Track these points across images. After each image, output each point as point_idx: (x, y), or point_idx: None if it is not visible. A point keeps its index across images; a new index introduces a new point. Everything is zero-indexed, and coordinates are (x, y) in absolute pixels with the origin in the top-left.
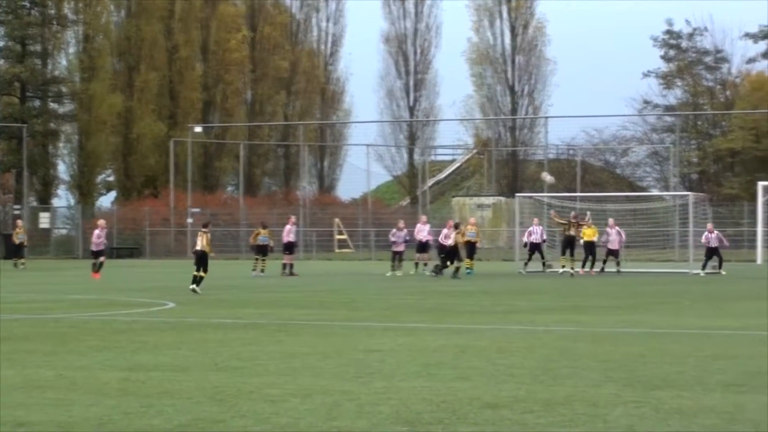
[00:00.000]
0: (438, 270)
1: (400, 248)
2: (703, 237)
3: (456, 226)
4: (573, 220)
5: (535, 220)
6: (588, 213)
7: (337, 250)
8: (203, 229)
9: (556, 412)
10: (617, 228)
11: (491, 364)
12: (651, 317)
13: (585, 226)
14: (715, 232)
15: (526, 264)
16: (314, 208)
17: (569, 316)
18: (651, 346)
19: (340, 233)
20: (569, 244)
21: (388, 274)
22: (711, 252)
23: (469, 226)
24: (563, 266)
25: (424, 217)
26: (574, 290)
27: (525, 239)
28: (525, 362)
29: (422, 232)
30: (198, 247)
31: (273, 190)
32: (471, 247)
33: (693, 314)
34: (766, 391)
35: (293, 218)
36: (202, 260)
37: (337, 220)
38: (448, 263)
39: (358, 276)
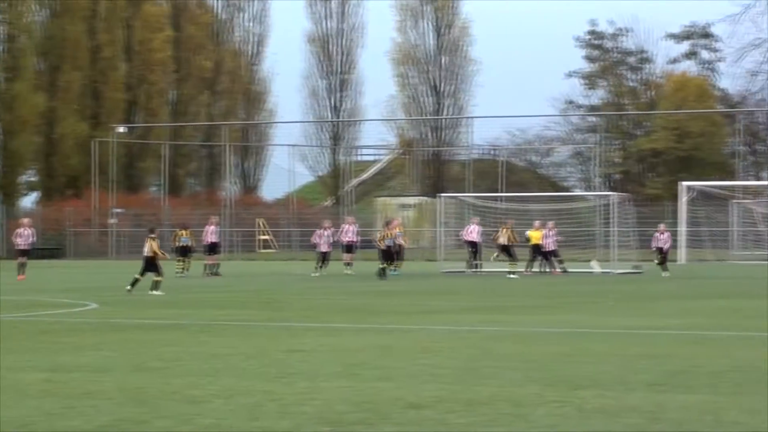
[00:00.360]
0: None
1: (326, 248)
2: (654, 238)
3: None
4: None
5: (475, 219)
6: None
7: (260, 250)
8: (151, 235)
9: (478, 411)
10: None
11: (414, 364)
12: (574, 317)
13: (532, 230)
14: (667, 232)
15: (469, 263)
16: (238, 208)
17: (492, 316)
18: (574, 346)
19: (264, 233)
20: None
21: (314, 275)
22: (661, 252)
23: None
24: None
25: (350, 218)
26: (498, 290)
27: (465, 237)
28: (448, 362)
29: (349, 233)
30: (146, 253)
31: (197, 191)
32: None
33: (616, 314)
34: (687, 390)
35: (214, 219)
36: (150, 265)
37: (260, 220)
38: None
39: (281, 276)
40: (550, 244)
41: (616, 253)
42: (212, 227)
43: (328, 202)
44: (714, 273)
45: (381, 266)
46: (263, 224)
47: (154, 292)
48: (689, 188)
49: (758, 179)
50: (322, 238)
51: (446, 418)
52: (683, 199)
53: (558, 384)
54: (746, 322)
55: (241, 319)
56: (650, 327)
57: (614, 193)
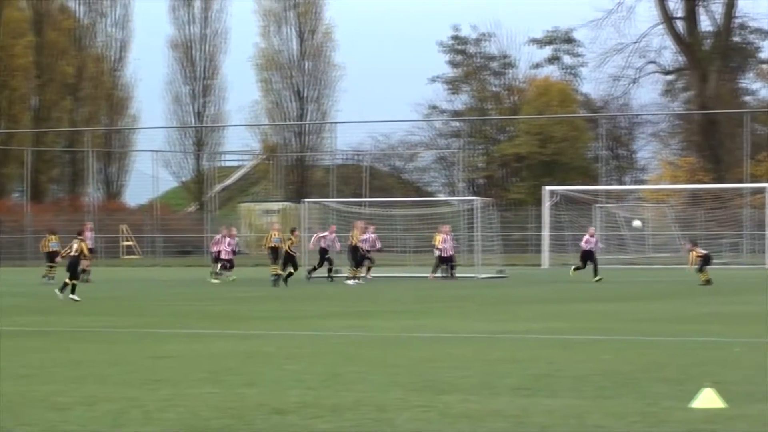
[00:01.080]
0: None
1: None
2: (583, 240)
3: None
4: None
5: (332, 227)
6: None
7: (124, 257)
8: (78, 237)
9: (343, 417)
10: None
11: (278, 369)
12: (438, 321)
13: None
14: (596, 237)
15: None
16: (101, 214)
17: (357, 321)
18: (438, 351)
19: (127, 239)
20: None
21: (215, 281)
22: (586, 256)
23: (273, 232)
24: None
25: (234, 230)
26: (363, 296)
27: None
28: (313, 368)
29: (224, 244)
30: (73, 253)
31: (59, 197)
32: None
33: (480, 318)
34: (551, 394)
35: (89, 224)
36: (73, 267)
37: (123, 226)
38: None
39: (146, 282)
40: (448, 249)
41: (480, 257)
42: (89, 233)
43: (192, 208)
44: (577, 277)
45: (287, 272)
46: (127, 230)
47: (72, 296)
48: (552, 193)
49: (621, 183)
50: (222, 246)
51: (311, 424)
52: (546, 204)
53: (422, 389)
54: (609, 325)
55: (106, 326)
56: (514, 331)
57: (478, 197)
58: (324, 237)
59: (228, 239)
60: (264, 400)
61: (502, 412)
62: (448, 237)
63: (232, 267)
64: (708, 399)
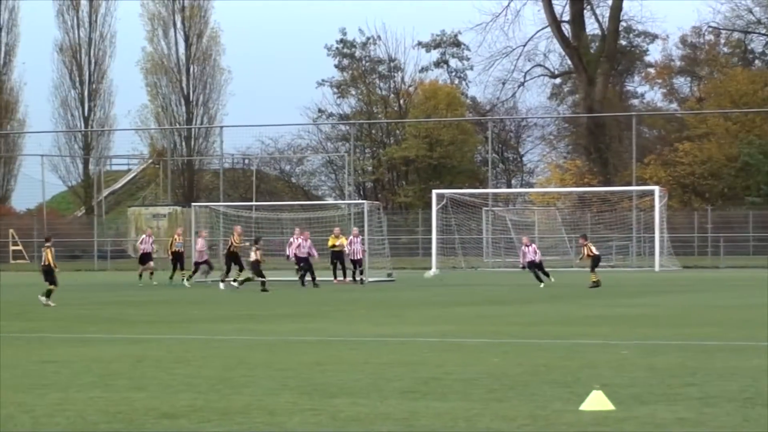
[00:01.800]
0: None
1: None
2: (521, 252)
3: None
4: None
5: (203, 233)
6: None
7: (12, 261)
8: (47, 244)
9: (233, 420)
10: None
11: (168, 373)
12: (327, 325)
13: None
14: (532, 245)
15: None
16: None
17: (246, 325)
18: (327, 354)
19: (15, 244)
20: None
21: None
22: (532, 266)
23: (176, 236)
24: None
25: (149, 230)
26: (250, 300)
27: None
28: (202, 372)
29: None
30: (44, 263)
31: None
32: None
33: (368, 322)
34: (440, 397)
35: None
36: (49, 274)
37: (11, 230)
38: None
39: (34, 287)
40: (357, 252)
41: (368, 261)
42: None
43: (81, 212)
44: (466, 281)
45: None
46: (14, 235)
47: (44, 299)
48: (440, 196)
49: (509, 187)
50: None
51: (201, 428)
52: (435, 207)
53: (312, 392)
54: (497, 328)
55: None
56: (402, 335)
57: (366, 201)
58: (299, 245)
59: (200, 240)
60: (153, 404)
61: (392, 415)
62: (357, 240)
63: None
64: (597, 401)
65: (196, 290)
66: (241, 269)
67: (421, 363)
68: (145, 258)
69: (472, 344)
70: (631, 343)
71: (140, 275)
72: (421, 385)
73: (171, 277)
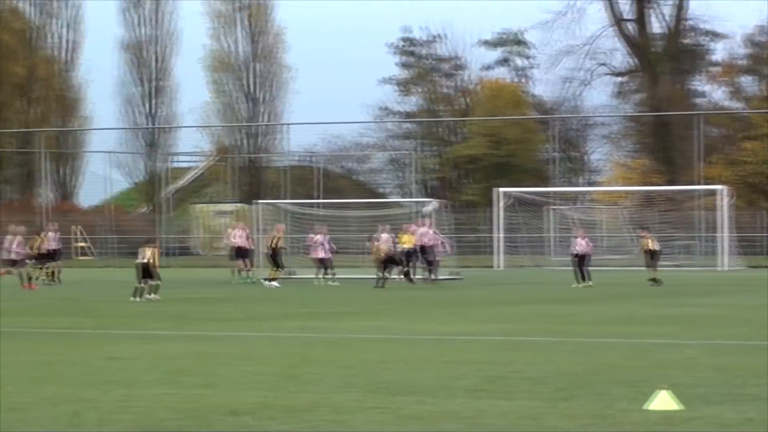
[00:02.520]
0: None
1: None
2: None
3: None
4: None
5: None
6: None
7: (77, 258)
8: (150, 244)
9: (299, 418)
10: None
11: (234, 371)
12: (391, 323)
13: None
14: (586, 238)
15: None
16: (54, 215)
17: (309, 322)
18: (392, 352)
19: (81, 240)
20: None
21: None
22: (580, 259)
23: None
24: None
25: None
26: (315, 297)
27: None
28: (268, 369)
29: (240, 237)
30: (146, 260)
31: (12, 198)
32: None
33: (433, 320)
34: (506, 396)
35: (53, 225)
36: (147, 272)
37: (77, 227)
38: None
39: (100, 283)
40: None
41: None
42: (52, 234)
43: (145, 209)
44: (532, 279)
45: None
46: (80, 231)
47: (151, 297)
48: (505, 194)
49: (573, 185)
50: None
51: (268, 425)
52: (499, 206)
53: (377, 390)
54: (563, 327)
55: (62, 327)
56: (468, 333)
57: (431, 199)
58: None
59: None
60: (220, 401)
61: (457, 414)
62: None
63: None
64: (663, 401)
65: (259, 288)
66: (278, 267)
67: (487, 362)
68: (240, 253)
69: (537, 343)
70: (698, 342)
71: (237, 271)
72: (488, 383)
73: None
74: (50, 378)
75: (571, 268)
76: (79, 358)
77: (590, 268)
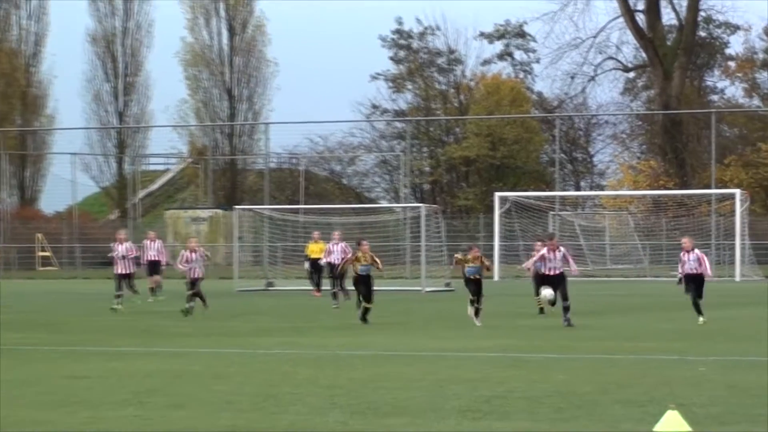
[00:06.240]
0: None
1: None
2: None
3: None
4: None
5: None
6: None
7: (40, 268)
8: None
9: None
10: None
11: (207, 390)
12: (380, 339)
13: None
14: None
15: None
16: (15, 222)
17: (291, 338)
18: (380, 370)
19: (43, 249)
20: None
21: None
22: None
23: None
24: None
25: (152, 233)
26: (296, 311)
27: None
28: (244, 388)
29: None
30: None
31: None
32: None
33: (425, 335)
34: (503, 416)
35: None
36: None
37: (39, 235)
38: None
39: (64, 296)
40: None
41: (425, 269)
42: None
43: (114, 216)
44: (531, 290)
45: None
46: (43, 239)
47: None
48: (503, 199)
49: (577, 189)
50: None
51: None
52: (497, 211)
53: (363, 412)
54: (565, 343)
55: (20, 343)
56: (462, 349)
57: (423, 204)
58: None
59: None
60: (192, 424)
61: None
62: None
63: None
64: (672, 422)
65: (240, 300)
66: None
67: (482, 380)
68: (155, 268)
69: (537, 360)
70: (710, 359)
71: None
72: (483, 403)
73: None
74: (6, 400)
75: (573, 278)
76: (40, 377)
77: (594, 279)
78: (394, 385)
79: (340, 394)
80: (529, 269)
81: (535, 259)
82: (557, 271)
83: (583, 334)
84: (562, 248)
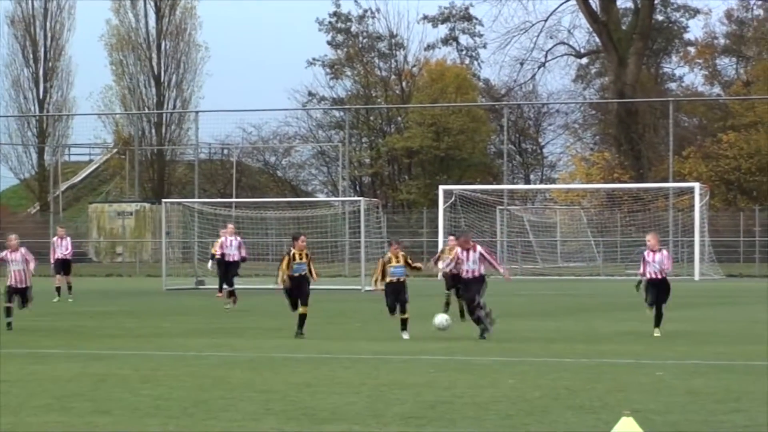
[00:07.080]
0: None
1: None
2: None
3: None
4: None
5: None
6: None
7: None
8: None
9: None
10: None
11: (134, 395)
12: (318, 341)
13: None
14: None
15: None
16: None
17: (223, 339)
18: (318, 374)
19: None
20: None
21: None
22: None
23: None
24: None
25: (61, 230)
26: (232, 311)
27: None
28: (174, 393)
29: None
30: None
31: None
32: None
33: (365, 337)
34: (448, 423)
35: None
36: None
37: None
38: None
39: None
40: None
41: (365, 267)
42: None
43: (34, 209)
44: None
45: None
46: None
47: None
48: (448, 193)
49: (527, 182)
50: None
51: None
52: (442, 206)
53: (300, 418)
54: (515, 346)
55: None
56: (405, 352)
57: (363, 198)
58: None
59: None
60: (118, 429)
61: None
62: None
63: None
64: (627, 429)
65: (169, 299)
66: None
67: (426, 385)
68: (64, 266)
69: (484, 363)
70: (668, 363)
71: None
72: (427, 409)
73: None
74: None
75: (522, 276)
76: None
77: (544, 277)
78: (333, 389)
79: (276, 399)
80: (446, 272)
81: (448, 261)
82: (475, 273)
83: (532, 336)
84: (479, 247)
